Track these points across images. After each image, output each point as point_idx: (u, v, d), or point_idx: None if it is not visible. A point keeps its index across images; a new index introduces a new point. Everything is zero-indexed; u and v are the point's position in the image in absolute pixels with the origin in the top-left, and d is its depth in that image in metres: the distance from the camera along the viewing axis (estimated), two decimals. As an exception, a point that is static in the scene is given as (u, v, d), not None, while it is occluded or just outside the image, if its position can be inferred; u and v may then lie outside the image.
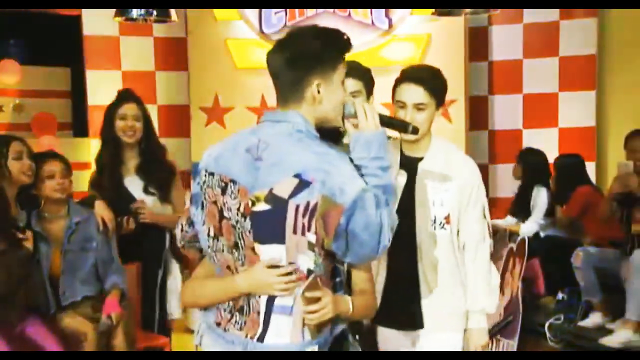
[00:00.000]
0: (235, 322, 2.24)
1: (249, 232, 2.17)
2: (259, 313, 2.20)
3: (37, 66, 6.59)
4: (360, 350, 2.37)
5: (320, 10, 6.26)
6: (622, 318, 4.65)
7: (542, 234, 5.86)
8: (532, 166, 5.94)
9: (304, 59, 2.20)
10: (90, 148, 6.49)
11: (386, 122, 2.37)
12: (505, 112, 6.81)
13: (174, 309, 4.24)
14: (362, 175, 2.16)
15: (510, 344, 4.97)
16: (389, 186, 2.19)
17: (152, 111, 6.63)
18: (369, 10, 6.20)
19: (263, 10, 6.33)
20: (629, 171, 4.72)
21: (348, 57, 2.29)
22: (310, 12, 6.28)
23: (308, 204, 2.10)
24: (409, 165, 2.80)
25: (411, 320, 2.79)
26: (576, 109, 6.55)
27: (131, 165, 4.12)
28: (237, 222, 2.19)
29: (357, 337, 2.38)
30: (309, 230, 2.12)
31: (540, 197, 5.87)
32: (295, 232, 2.12)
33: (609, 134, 6.54)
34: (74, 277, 3.77)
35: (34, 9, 5.98)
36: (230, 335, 2.25)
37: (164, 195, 4.11)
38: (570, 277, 5.15)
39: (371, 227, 2.10)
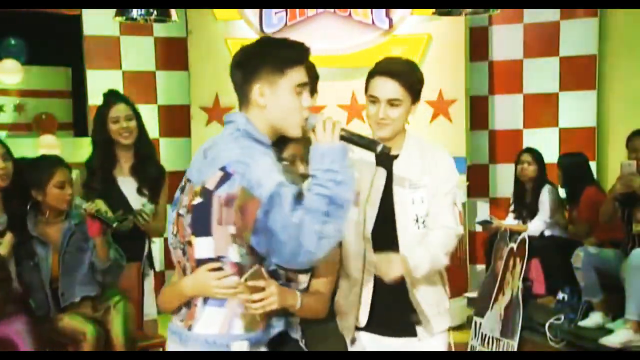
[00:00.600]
0: (181, 314, 2.36)
1: (189, 225, 2.28)
2: (196, 305, 2.31)
3: (38, 66, 6.58)
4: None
5: (320, 10, 6.26)
6: (623, 318, 4.64)
7: (546, 233, 5.86)
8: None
9: (248, 61, 2.29)
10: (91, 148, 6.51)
11: (354, 140, 2.33)
12: (506, 112, 6.80)
13: (150, 309, 4.26)
14: (315, 185, 2.17)
15: (510, 344, 4.97)
16: (335, 199, 2.14)
17: (153, 111, 6.68)
18: (369, 10, 6.20)
19: (263, 10, 6.33)
20: (632, 171, 4.70)
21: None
22: (310, 12, 6.28)
23: (229, 195, 2.18)
24: (384, 163, 2.68)
25: (404, 326, 2.70)
26: (577, 109, 6.54)
27: (126, 166, 4.11)
28: (184, 217, 2.30)
29: (303, 340, 2.35)
30: (229, 222, 2.19)
31: (546, 196, 5.86)
32: (220, 223, 2.20)
33: (609, 134, 6.53)
34: (72, 278, 3.77)
35: (34, 9, 5.98)
36: (174, 325, 2.38)
37: (154, 197, 4.11)
38: (570, 276, 5.14)
39: (289, 228, 2.11)
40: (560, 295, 5.29)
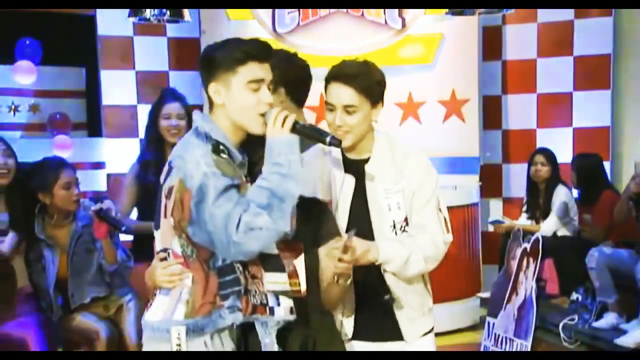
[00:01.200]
0: (148, 304, 2.44)
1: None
2: (155, 295, 2.39)
3: (52, 66, 6.61)
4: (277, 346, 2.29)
5: (333, 10, 6.26)
6: (637, 319, 4.62)
7: (559, 233, 5.84)
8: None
9: (205, 62, 2.33)
10: (104, 148, 6.53)
11: (306, 133, 2.31)
12: (519, 111, 6.78)
13: None
14: (260, 177, 2.21)
15: (523, 344, 4.95)
16: (277, 192, 2.17)
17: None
18: (382, 10, 6.20)
19: (276, 10, 6.33)
20: (646, 170, 4.68)
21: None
22: (323, 12, 6.28)
23: (169, 188, 2.26)
24: (354, 168, 2.58)
25: (389, 331, 2.62)
26: (591, 109, 6.52)
27: None
28: None
29: (270, 333, 2.28)
30: (170, 213, 2.25)
31: (560, 196, 5.83)
32: (165, 216, 2.29)
33: (624, 134, 6.50)
34: (82, 280, 3.79)
35: (48, 9, 6.02)
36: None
37: None
38: (584, 277, 5.12)
39: (214, 218, 2.15)
40: (574, 296, 5.26)
